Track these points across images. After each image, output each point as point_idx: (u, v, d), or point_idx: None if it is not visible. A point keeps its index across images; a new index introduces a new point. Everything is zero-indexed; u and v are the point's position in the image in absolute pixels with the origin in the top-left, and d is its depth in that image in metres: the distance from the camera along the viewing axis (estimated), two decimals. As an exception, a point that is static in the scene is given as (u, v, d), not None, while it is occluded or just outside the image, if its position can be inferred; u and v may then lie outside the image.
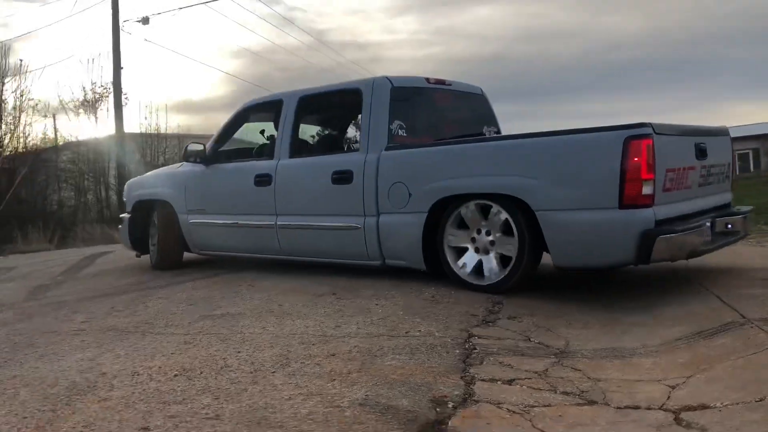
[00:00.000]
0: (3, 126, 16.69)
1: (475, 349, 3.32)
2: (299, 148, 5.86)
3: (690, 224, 4.19)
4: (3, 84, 16.37)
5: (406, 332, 3.61)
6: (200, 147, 6.32)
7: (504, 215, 4.45)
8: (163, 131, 21.87)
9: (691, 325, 3.54)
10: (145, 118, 21.94)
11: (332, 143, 6.04)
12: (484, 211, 4.57)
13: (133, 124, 21.21)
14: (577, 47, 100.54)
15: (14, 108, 16.58)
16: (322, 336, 3.55)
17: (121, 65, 19.27)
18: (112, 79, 19.44)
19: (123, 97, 19.76)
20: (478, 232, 4.65)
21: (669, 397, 2.59)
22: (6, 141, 16.64)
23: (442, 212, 4.74)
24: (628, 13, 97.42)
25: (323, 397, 2.54)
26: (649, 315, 4.03)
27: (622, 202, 3.96)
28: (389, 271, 5.32)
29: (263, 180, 5.73)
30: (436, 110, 5.82)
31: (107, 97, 19.86)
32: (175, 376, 2.89)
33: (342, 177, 5.20)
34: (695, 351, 3.11)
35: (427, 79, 5.67)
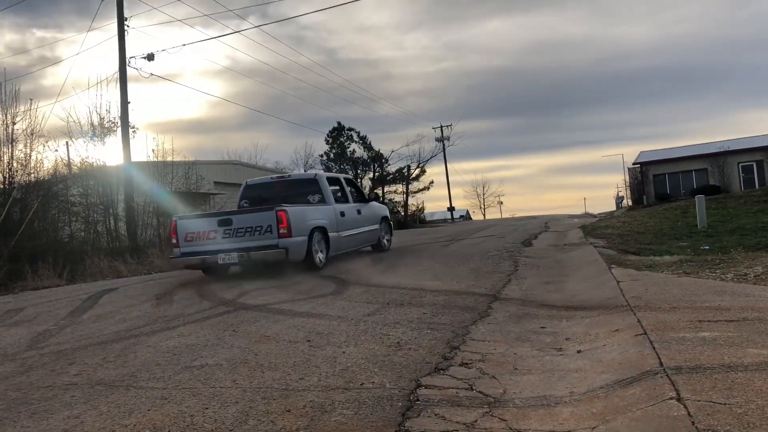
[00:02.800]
0: (15, 163, 17.28)
1: (418, 400, 3.69)
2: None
3: (187, 256, 10.33)
4: (14, 123, 16.96)
5: (361, 384, 3.99)
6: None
7: None
8: (170, 160, 22.49)
9: (617, 373, 3.90)
10: (153, 150, 22.47)
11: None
12: None
13: (142, 153, 21.83)
14: (587, 58, 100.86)
15: (25, 145, 17.17)
16: (285, 390, 3.94)
17: (128, 100, 19.93)
18: (120, 114, 20.10)
19: (130, 130, 20.42)
20: None
21: (571, 448, 2.96)
22: (18, 177, 17.22)
23: None
24: (638, 22, 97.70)
25: (267, 455, 2.93)
26: (589, 360, 4.40)
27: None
28: (367, 315, 5.75)
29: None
30: (275, 192, 11.82)
31: (115, 131, 20.47)
32: (146, 434, 3.30)
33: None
34: (609, 401, 3.47)
35: (272, 177, 12.92)
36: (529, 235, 16.28)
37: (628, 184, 49.53)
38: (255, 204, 11.44)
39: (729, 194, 18.33)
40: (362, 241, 12.74)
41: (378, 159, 51.37)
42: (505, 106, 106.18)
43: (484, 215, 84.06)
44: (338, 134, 50.97)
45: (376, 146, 52.34)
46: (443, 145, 59.45)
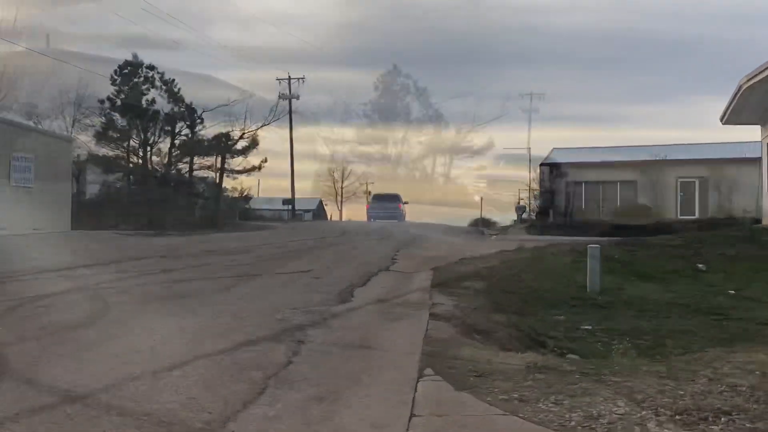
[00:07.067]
0: None
1: None
2: None
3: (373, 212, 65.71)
4: None
5: None
6: None
7: None
8: None
9: None
10: None
11: None
12: None
13: None
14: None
15: None
16: None
17: None
18: None
19: None
20: None
21: None
22: None
23: None
24: None
25: None
26: None
27: None
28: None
29: None
30: (387, 197, 65.66)
31: None
32: None
33: None
34: None
35: (384, 194, 69.33)
36: (359, 277, 15.89)
37: (534, 193, 51.26)
38: (379, 201, 63.25)
39: (643, 240, 19.09)
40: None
41: (190, 116, 49.87)
42: (395, 55, 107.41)
43: (341, 211, 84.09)
44: (132, 73, 48.88)
45: (188, 97, 50.73)
46: (290, 104, 58.99)
